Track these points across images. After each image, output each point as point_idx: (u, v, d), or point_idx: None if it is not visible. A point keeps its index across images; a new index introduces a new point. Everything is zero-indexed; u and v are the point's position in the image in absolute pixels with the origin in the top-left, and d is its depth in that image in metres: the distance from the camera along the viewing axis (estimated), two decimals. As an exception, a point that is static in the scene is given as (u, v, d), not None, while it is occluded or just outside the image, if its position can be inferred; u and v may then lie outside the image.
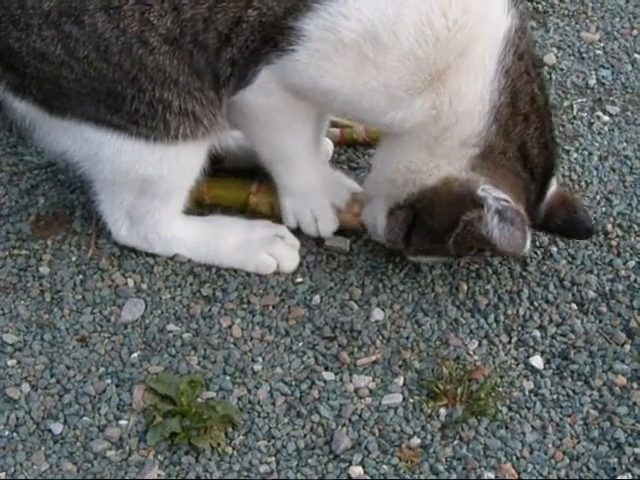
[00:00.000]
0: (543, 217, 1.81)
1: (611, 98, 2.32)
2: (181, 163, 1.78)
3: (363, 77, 1.64)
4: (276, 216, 1.95)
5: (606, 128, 2.24)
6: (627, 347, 1.81)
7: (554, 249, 1.96)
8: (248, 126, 1.81)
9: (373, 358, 1.77)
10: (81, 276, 1.88)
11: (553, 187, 1.82)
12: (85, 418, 1.67)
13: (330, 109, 1.80)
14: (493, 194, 1.66)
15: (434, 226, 1.75)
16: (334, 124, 2.10)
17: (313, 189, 1.92)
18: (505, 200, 1.66)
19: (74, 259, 1.90)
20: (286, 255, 1.90)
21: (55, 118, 1.75)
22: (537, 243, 1.96)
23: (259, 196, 1.97)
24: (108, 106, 1.70)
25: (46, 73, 1.69)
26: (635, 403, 1.73)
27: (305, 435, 1.67)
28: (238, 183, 1.99)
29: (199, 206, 1.94)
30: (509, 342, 1.81)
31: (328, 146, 2.07)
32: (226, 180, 1.95)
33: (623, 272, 1.93)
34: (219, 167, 1.92)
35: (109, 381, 1.72)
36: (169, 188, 1.83)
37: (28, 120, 1.78)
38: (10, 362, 1.74)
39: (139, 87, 1.67)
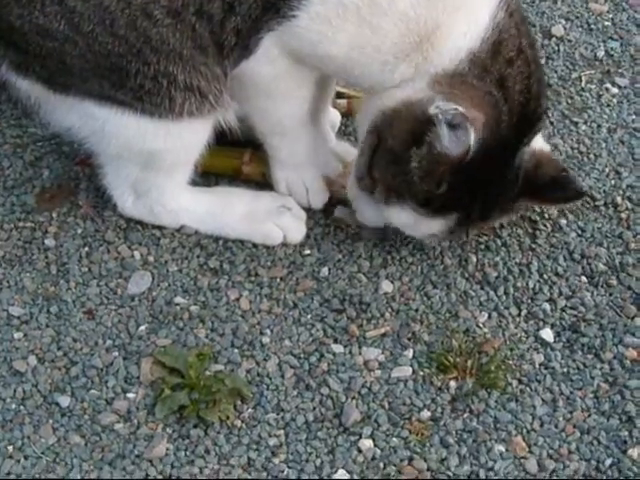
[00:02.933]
0: (531, 169, 1.75)
1: (620, 70, 2.29)
2: (186, 139, 1.77)
3: (359, 42, 1.63)
4: (268, 185, 1.94)
5: (615, 100, 2.22)
6: (637, 320, 1.80)
7: (563, 221, 1.94)
8: (247, 97, 1.79)
9: (382, 330, 1.76)
10: (87, 248, 1.86)
11: (543, 145, 1.80)
12: (93, 391, 1.66)
13: (324, 73, 1.78)
14: (443, 108, 1.62)
15: (394, 148, 1.70)
16: (341, 95, 2.09)
17: (305, 161, 1.91)
18: (454, 109, 1.61)
19: (79, 231, 1.89)
20: (293, 226, 1.89)
21: (59, 95, 1.74)
22: (546, 215, 1.95)
23: (252, 165, 1.96)
24: (112, 82, 1.68)
25: (49, 50, 1.67)
26: (646, 376, 1.73)
27: (314, 408, 1.66)
28: (231, 152, 1.97)
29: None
30: (519, 315, 1.80)
31: (335, 117, 2.06)
32: (219, 149, 1.92)
33: (633, 245, 1.91)
34: (224, 141, 1.91)
35: (116, 354, 1.71)
36: (174, 162, 1.82)
37: (32, 98, 1.77)
38: (17, 335, 1.73)
39: (144, 60, 1.65)
